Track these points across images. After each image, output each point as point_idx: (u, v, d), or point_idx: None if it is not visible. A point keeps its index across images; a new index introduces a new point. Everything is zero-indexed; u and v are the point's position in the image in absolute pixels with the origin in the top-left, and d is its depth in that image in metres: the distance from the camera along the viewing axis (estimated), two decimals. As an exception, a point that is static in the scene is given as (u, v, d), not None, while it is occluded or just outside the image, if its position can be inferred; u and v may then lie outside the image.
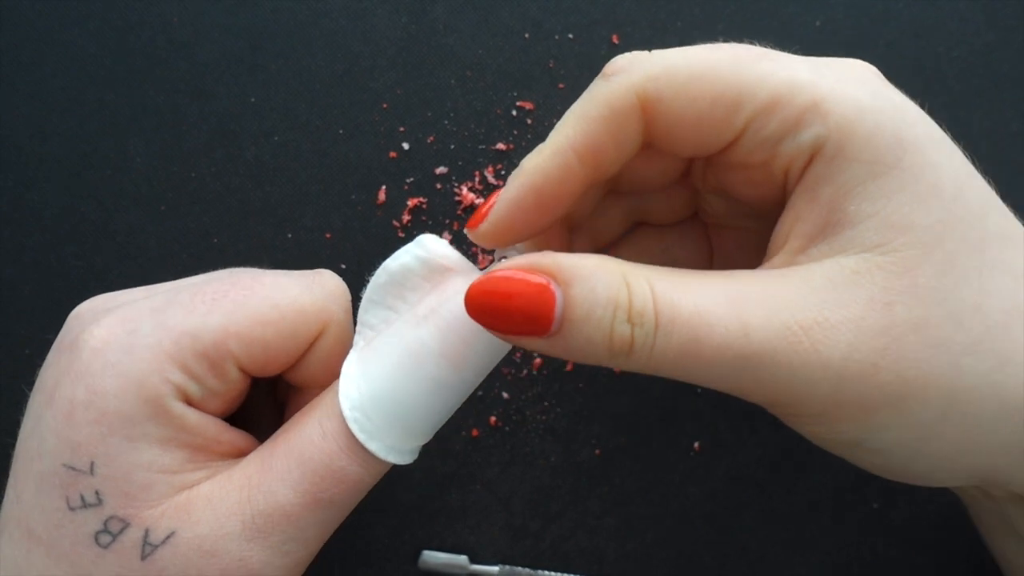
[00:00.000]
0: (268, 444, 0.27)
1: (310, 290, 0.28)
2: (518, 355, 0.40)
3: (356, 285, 0.40)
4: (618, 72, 0.25)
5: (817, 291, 0.22)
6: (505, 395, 0.40)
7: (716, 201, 0.30)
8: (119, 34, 0.40)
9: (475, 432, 0.39)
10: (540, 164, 0.25)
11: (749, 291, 0.22)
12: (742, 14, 0.41)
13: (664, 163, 0.29)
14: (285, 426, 0.27)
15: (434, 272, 0.27)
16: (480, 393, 0.40)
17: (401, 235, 0.40)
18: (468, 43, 0.41)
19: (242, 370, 0.27)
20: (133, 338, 0.25)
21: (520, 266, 0.23)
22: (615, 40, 0.41)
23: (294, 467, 0.25)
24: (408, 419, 0.26)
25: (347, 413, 0.26)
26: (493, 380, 0.40)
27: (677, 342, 0.22)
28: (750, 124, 0.24)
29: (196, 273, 0.39)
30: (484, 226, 0.26)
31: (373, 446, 0.26)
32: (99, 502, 0.24)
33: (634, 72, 0.24)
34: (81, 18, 0.40)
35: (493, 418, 0.40)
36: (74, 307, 0.39)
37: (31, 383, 0.39)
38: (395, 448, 0.26)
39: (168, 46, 0.40)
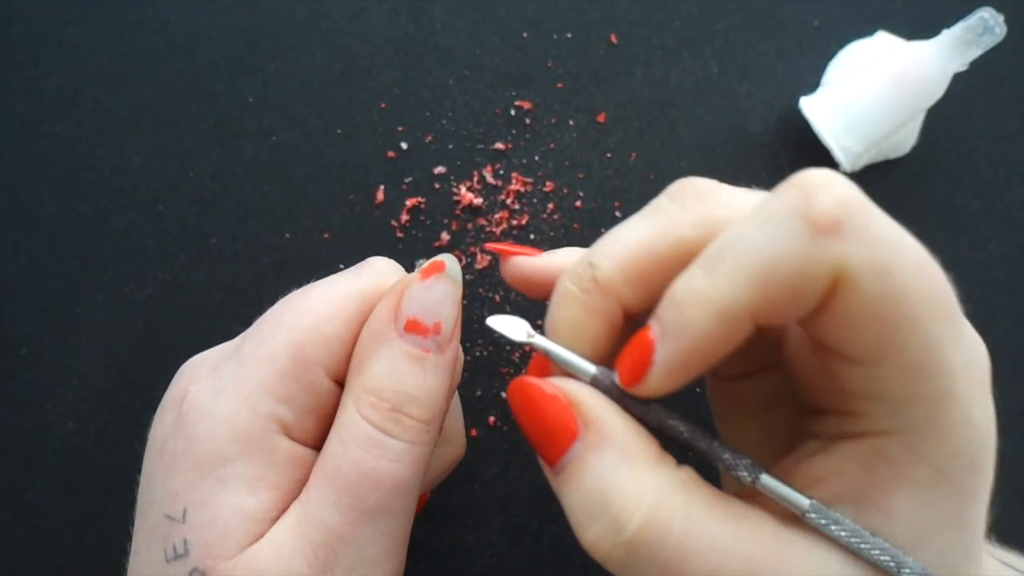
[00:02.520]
0: (310, 476, 0.26)
1: (360, 274, 0.28)
2: (516, 355, 0.40)
3: (354, 285, 0.40)
4: (829, 233, 0.18)
5: None
6: (504, 395, 0.40)
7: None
8: (116, 34, 0.40)
9: (474, 432, 0.39)
10: (705, 327, 0.20)
11: (782, 568, 0.20)
12: (740, 14, 0.41)
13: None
14: (320, 454, 0.27)
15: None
16: (479, 393, 0.40)
17: (399, 235, 0.40)
18: (466, 43, 0.41)
19: (330, 377, 0.26)
20: (219, 382, 0.26)
21: (565, 391, 0.22)
22: (613, 40, 0.41)
23: (328, 487, 0.25)
24: (855, 118, 0.37)
25: (371, 404, 0.25)
26: (492, 380, 0.40)
27: None
28: (875, 368, 0.20)
29: (193, 272, 0.39)
30: (648, 384, 0.22)
31: (398, 429, 0.25)
32: (186, 552, 0.25)
33: (846, 244, 0.18)
34: (78, 17, 0.40)
35: (492, 418, 0.40)
36: (71, 306, 0.39)
37: (29, 383, 0.39)
38: (844, 148, 0.38)
39: (166, 46, 0.40)
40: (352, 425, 0.25)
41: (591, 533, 0.21)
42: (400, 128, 0.40)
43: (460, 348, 0.29)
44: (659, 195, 0.23)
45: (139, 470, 0.39)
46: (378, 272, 0.28)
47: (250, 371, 0.25)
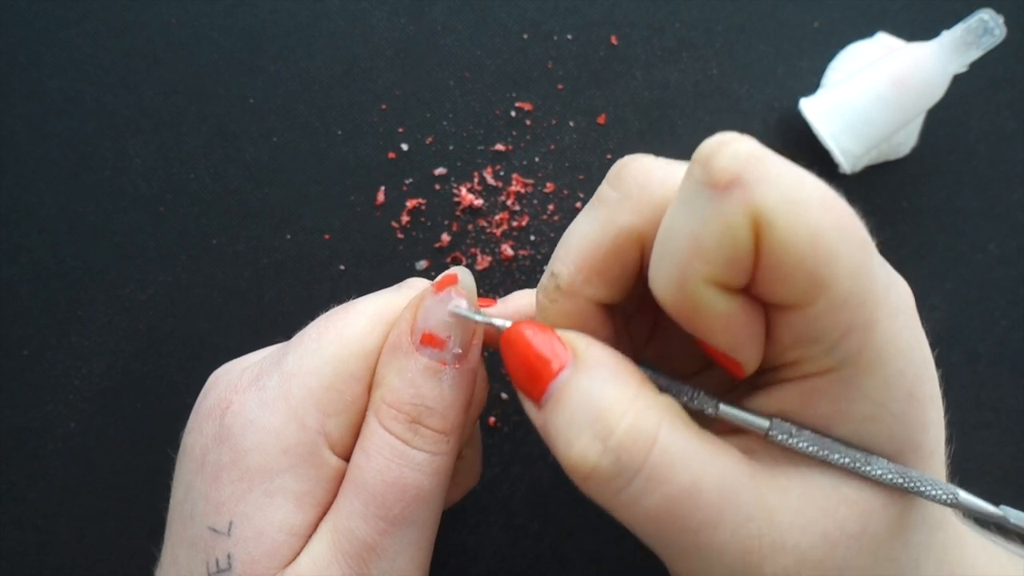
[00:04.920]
0: (339, 489, 0.27)
1: (399, 292, 0.28)
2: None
3: (354, 286, 0.40)
4: (733, 187, 0.19)
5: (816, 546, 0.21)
6: (504, 396, 0.40)
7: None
8: (117, 35, 0.40)
9: (474, 433, 0.40)
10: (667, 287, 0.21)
11: (761, 491, 0.21)
12: (740, 15, 0.41)
13: None
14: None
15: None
16: (479, 394, 0.40)
17: (400, 236, 0.40)
18: (467, 44, 0.41)
19: (369, 392, 0.27)
20: (264, 393, 0.26)
21: (545, 329, 0.23)
22: (614, 41, 0.41)
23: (355, 499, 0.25)
24: (855, 120, 0.37)
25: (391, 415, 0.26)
26: (491, 381, 0.40)
27: (657, 499, 0.21)
28: (809, 308, 0.20)
29: (195, 273, 0.39)
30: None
31: (419, 440, 0.26)
32: (229, 567, 0.25)
33: (752, 190, 0.19)
34: (79, 18, 0.40)
35: (492, 419, 0.40)
36: (72, 308, 0.39)
37: (31, 383, 0.39)
38: (844, 149, 0.38)
39: (167, 47, 0.40)
40: (375, 436, 0.26)
41: (578, 446, 0.21)
42: (400, 129, 0.40)
43: (482, 366, 0.29)
44: (603, 181, 0.24)
45: (143, 472, 0.39)
46: (417, 291, 0.28)
47: (296, 384, 0.26)
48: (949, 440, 0.25)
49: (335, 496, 0.26)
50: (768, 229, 0.19)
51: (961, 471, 0.41)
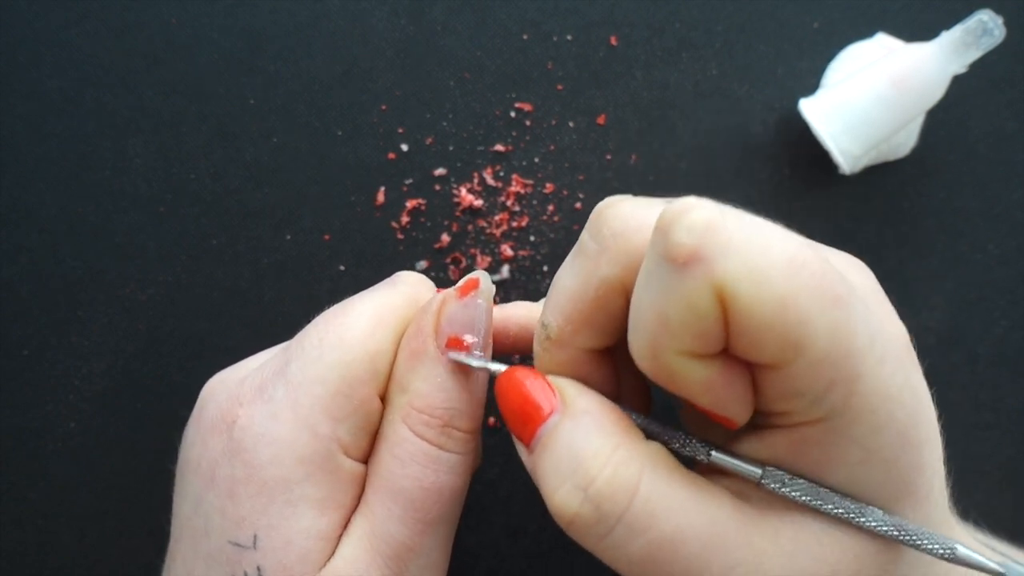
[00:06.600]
0: (365, 491, 0.27)
1: (395, 289, 0.28)
2: (516, 357, 0.40)
3: (353, 287, 0.40)
4: (693, 263, 0.19)
5: None
6: (504, 396, 0.40)
7: None
8: (117, 35, 0.40)
9: (474, 433, 0.40)
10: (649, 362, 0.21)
11: (750, 537, 0.21)
12: (740, 15, 0.41)
13: None
14: (369, 468, 0.27)
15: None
16: (479, 394, 0.40)
17: (400, 236, 0.40)
18: (466, 44, 0.41)
19: (377, 393, 0.27)
20: (272, 405, 0.26)
21: (538, 375, 0.24)
22: (613, 42, 0.41)
23: (391, 503, 0.26)
24: (854, 120, 0.37)
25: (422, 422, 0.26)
26: (491, 383, 0.40)
27: (640, 547, 0.21)
28: (788, 368, 0.20)
29: (195, 273, 0.39)
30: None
31: (451, 443, 0.26)
32: None
33: (713, 265, 0.19)
34: (79, 19, 0.40)
35: (492, 419, 0.40)
36: (73, 308, 0.39)
37: (31, 384, 0.39)
38: (844, 150, 0.38)
39: (167, 47, 0.40)
40: (408, 444, 0.26)
41: (560, 493, 0.22)
42: (400, 130, 0.40)
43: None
44: (584, 228, 0.24)
45: (143, 472, 0.39)
46: (412, 287, 0.29)
47: (303, 393, 0.26)
48: (948, 473, 0.25)
49: (355, 497, 0.27)
50: (733, 301, 0.19)
51: (961, 471, 0.41)
